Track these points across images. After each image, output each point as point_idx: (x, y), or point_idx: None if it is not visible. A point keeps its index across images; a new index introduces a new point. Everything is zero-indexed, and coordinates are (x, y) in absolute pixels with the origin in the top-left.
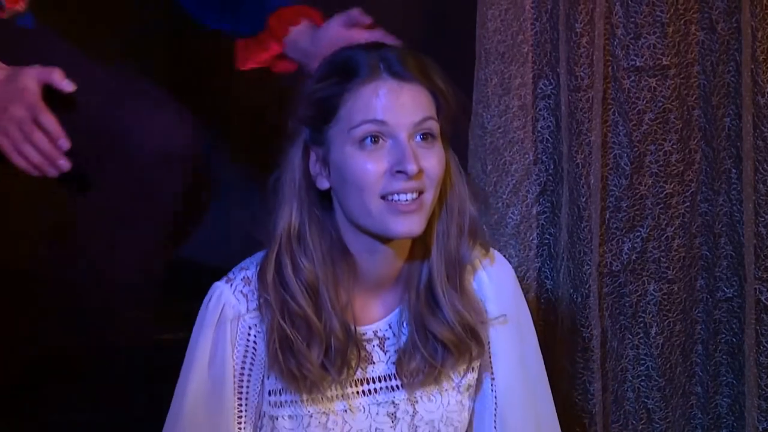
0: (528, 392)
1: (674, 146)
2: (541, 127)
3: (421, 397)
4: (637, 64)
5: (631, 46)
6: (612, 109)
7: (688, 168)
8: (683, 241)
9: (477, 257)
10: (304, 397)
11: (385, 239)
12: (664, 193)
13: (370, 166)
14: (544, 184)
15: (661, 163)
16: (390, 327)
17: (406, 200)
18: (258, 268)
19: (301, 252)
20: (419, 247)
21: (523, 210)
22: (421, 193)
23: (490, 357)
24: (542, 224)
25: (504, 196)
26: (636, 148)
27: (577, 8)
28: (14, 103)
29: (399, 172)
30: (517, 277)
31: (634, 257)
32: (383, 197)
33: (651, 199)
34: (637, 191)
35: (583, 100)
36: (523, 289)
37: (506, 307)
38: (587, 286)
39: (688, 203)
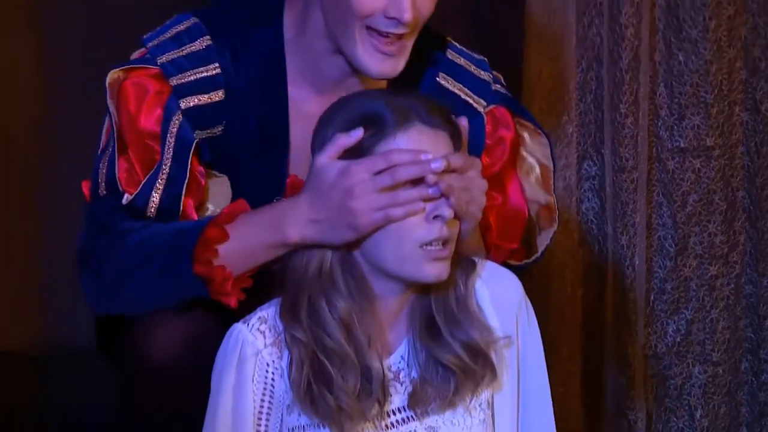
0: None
1: (719, 228)
2: (585, 209)
3: (443, 423)
4: (682, 145)
5: (676, 126)
6: (656, 191)
7: (732, 250)
8: (728, 323)
9: (476, 274)
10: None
11: (412, 283)
12: (709, 274)
13: None
14: (589, 266)
15: (706, 244)
16: (402, 359)
17: (439, 246)
18: (280, 308)
19: (335, 291)
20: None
21: (568, 291)
22: (445, 243)
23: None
24: (587, 306)
25: None
26: (680, 230)
27: (621, 89)
28: (345, 181)
29: (436, 217)
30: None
31: (678, 339)
32: (420, 246)
33: (695, 280)
34: (682, 273)
35: (627, 181)
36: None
37: (510, 324)
38: (632, 368)
39: (733, 285)
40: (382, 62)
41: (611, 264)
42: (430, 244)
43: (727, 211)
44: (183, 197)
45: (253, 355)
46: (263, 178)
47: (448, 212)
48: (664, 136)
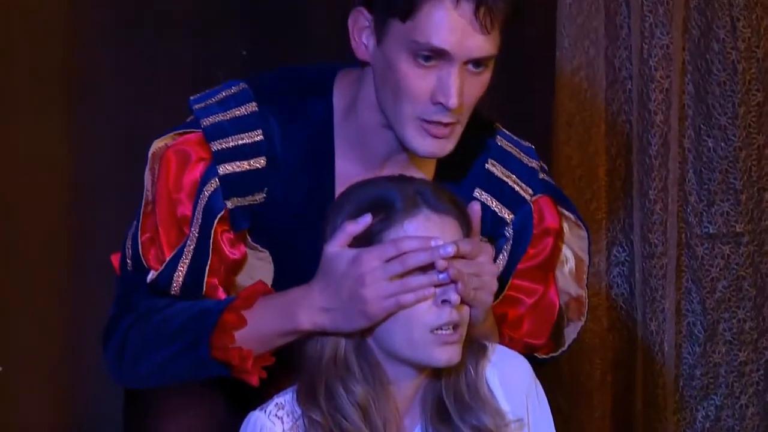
0: None
1: (748, 314)
2: (615, 294)
3: None
4: (711, 231)
5: (705, 213)
6: (686, 277)
7: (762, 335)
8: (757, 410)
9: (487, 358)
10: None
11: (424, 368)
12: (738, 360)
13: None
14: (619, 351)
15: (735, 330)
16: None
17: (449, 330)
18: (297, 393)
19: (351, 376)
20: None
21: (598, 377)
22: (456, 327)
23: None
24: (616, 392)
25: None
26: (710, 316)
27: (650, 175)
28: (356, 269)
29: (444, 301)
30: None
31: (708, 425)
32: (431, 331)
33: (725, 366)
34: (711, 359)
35: (656, 267)
36: None
37: (521, 406)
38: None
39: (762, 371)
40: (431, 143)
41: (640, 350)
42: (440, 328)
43: (756, 297)
44: (206, 277)
45: None
46: (307, 252)
47: (455, 297)
48: (693, 222)
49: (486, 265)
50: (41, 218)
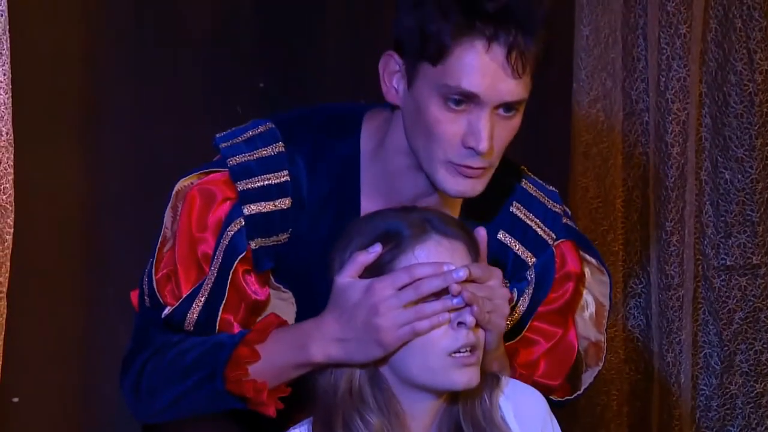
0: None
1: (765, 345)
2: (631, 326)
3: None
4: (728, 262)
5: (722, 244)
6: (702, 308)
7: None
8: None
9: (500, 390)
10: None
11: (442, 393)
12: (755, 392)
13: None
14: (635, 383)
15: (752, 362)
16: None
17: (466, 352)
18: (313, 426)
19: (366, 407)
20: (450, 397)
21: (614, 409)
22: (473, 349)
23: None
24: (632, 423)
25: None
26: (726, 347)
27: (667, 207)
28: (369, 299)
29: (459, 323)
30: None
31: None
32: (449, 354)
33: (741, 398)
34: (728, 390)
35: (673, 298)
36: None
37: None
38: None
39: None
40: (462, 183)
41: (657, 381)
42: (458, 351)
43: None
44: (221, 314)
45: None
46: (329, 292)
47: (470, 319)
48: (710, 254)
49: (497, 289)
50: (59, 247)
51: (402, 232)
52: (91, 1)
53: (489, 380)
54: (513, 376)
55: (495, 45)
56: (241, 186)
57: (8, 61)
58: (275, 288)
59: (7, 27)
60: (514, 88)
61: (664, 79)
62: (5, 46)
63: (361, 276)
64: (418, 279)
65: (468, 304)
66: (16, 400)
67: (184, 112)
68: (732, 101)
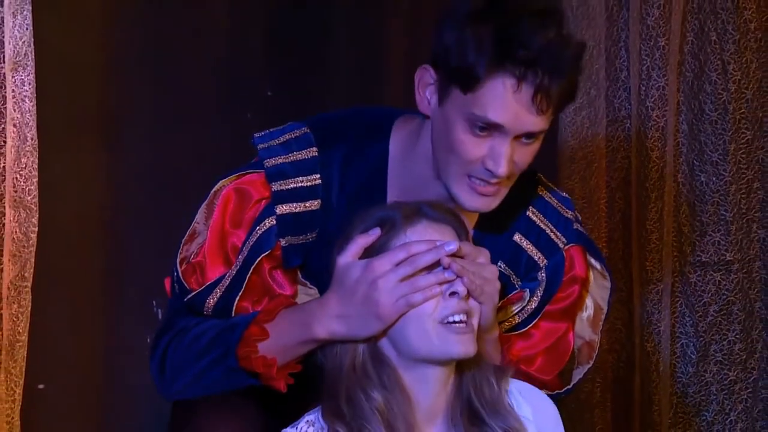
0: None
1: (737, 336)
2: (614, 318)
3: None
4: (703, 259)
5: (698, 242)
6: (679, 302)
7: (750, 356)
8: (745, 425)
9: (507, 380)
10: None
11: (443, 363)
12: (728, 380)
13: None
14: (618, 371)
15: (725, 352)
16: None
17: (460, 321)
18: (322, 408)
19: (369, 383)
20: (457, 382)
21: (598, 395)
22: (468, 317)
23: None
24: (615, 408)
25: None
26: (702, 338)
27: (647, 207)
28: (369, 275)
29: (452, 294)
30: None
31: None
32: (440, 322)
33: (716, 385)
34: (703, 378)
35: (652, 292)
36: None
37: (545, 426)
38: None
39: (750, 389)
40: (477, 200)
41: (638, 370)
42: (451, 320)
43: (745, 321)
44: (238, 302)
45: None
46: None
47: (461, 288)
48: (686, 251)
49: (486, 266)
50: (82, 246)
51: (395, 217)
52: (112, 15)
53: (496, 369)
54: (502, 361)
55: (524, 84)
56: (276, 187)
57: (33, 71)
58: (302, 284)
59: (32, 40)
60: (536, 122)
61: (644, 89)
62: (30, 58)
63: (360, 257)
64: (414, 254)
65: (459, 276)
66: (41, 386)
67: (198, 118)
68: (707, 109)
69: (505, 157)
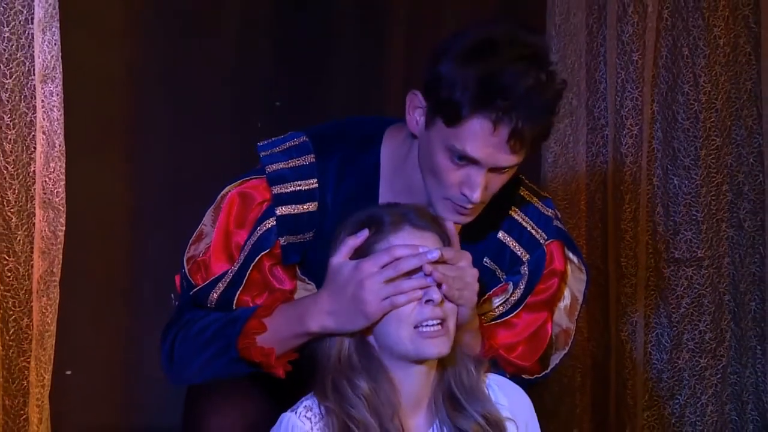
0: None
1: (708, 326)
2: (593, 309)
3: None
4: (676, 256)
5: (671, 240)
6: (654, 295)
7: (719, 345)
8: (715, 408)
9: (485, 371)
10: None
11: (418, 361)
12: (699, 366)
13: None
14: (596, 357)
15: (697, 340)
16: None
17: (434, 326)
18: (314, 390)
19: (354, 372)
20: (439, 371)
21: (579, 380)
22: (443, 321)
23: None
24: (594, 392)
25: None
26: (675, 328)
27: (622, 208)
28: (357, 276)
29: (427, 301)
30: None
31: (673, 421)
32: (415, 327)
33: (688, 371)
34: (676, 365)
35: (627, 286)
36: None
37: (521, 418)
38: None
39: (720, 375)
40: (456, 217)
41: (614, 357)
42: (424, 325)
43: (715, 312)
44: (238, 296)
45: None
46: None
47: (437, 296)
48: (661, 248)
49: (467, 269)
50: (105, 244)
51: (382, 221)
52: (132, 33)
53: (474, 359)
54: (489, 354)
55: (500, 128)
56: (276, 190)
57: (61, 83)
58: (301, 280)
59: (60, 54)
60: (510, 158)
61: (619, 99)
62: (58, 71)
63: (351, 257)
64: (398, 258)
65: (438, 283)
66: (69, 372)
67: (212, 126)
68: (680, 118)
69: (480, 187)
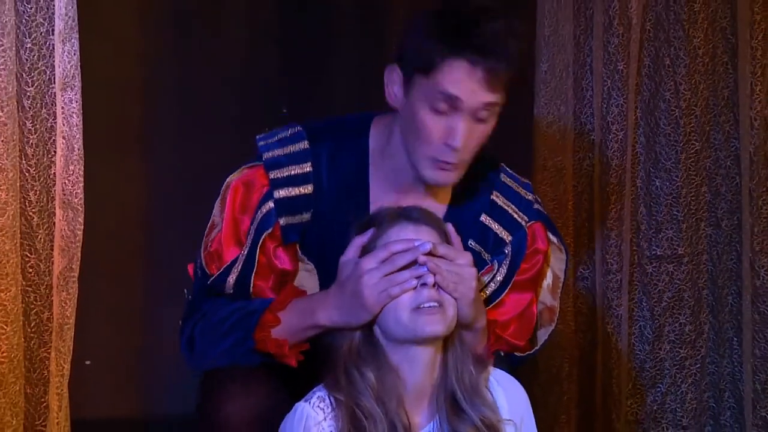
0: None
1: (687, 319)
2: (580, 303)
3: None
4: (658, 253)
5: (653, 238)
6: (637, 289)
7: (698, 337)
8: (695, 396)
9: (488, 371)
10: None
11: (419, 341)
12: (680, 357)
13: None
14: (583, 348)
15: (677, 332)
16: None
17: (430, 306)
18: (326, 380)
19: (362, 363)
20: (442, 369)
21: (567, 369)
22: (441, 304)
23: None
24: (581, 381)
25: None
26: (657, 321)
27: (608, 208)
28: (358, 272)
29: (422, 285)
30: None
31: (655, 408)
32: (413, 309)
33: (669, 361)
34: (658, 355)
35: (612, 281)
36: None
37: (517, 421)
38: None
39: (699, 365)
40: (439, 174)
41: (600, 348)
42: (422, 305)
43: (694, 306)
44: (254, 281)
45: (316, 425)
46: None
47: (430, 279)
48: (644, 246)
49: (465, 267)
50: (123, 242)
51: (381, 220)
52: (147, 44)
53: (476, 359)
54: (489, 341)
55: (476, 67)
56: (273, 175)
57: (79, 91)
58: (301, 260)
59: (79, 64)
60: (489, 96)
61: (605, 106)
62: (77, 79)
63: (360, 255)
64: (394, 253)
65: (432, 273)
66: (88, 362)
67: (221, 132)
68: (662, 123)
69: (462, 132)
